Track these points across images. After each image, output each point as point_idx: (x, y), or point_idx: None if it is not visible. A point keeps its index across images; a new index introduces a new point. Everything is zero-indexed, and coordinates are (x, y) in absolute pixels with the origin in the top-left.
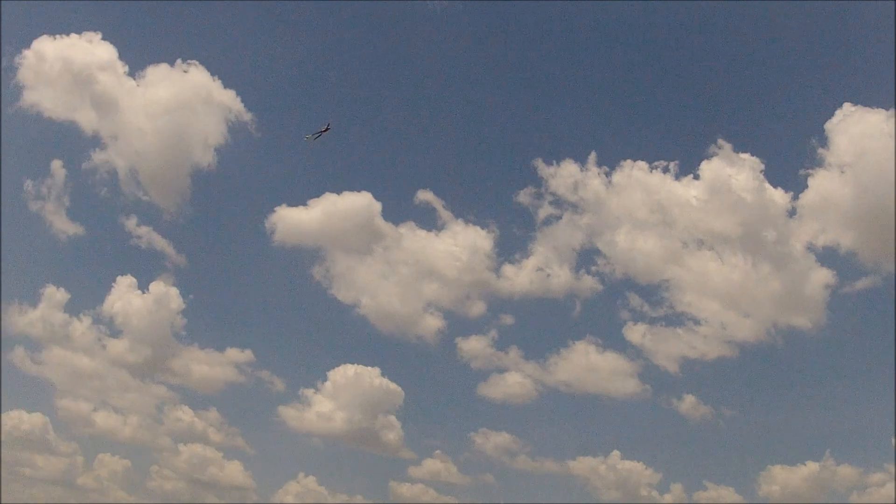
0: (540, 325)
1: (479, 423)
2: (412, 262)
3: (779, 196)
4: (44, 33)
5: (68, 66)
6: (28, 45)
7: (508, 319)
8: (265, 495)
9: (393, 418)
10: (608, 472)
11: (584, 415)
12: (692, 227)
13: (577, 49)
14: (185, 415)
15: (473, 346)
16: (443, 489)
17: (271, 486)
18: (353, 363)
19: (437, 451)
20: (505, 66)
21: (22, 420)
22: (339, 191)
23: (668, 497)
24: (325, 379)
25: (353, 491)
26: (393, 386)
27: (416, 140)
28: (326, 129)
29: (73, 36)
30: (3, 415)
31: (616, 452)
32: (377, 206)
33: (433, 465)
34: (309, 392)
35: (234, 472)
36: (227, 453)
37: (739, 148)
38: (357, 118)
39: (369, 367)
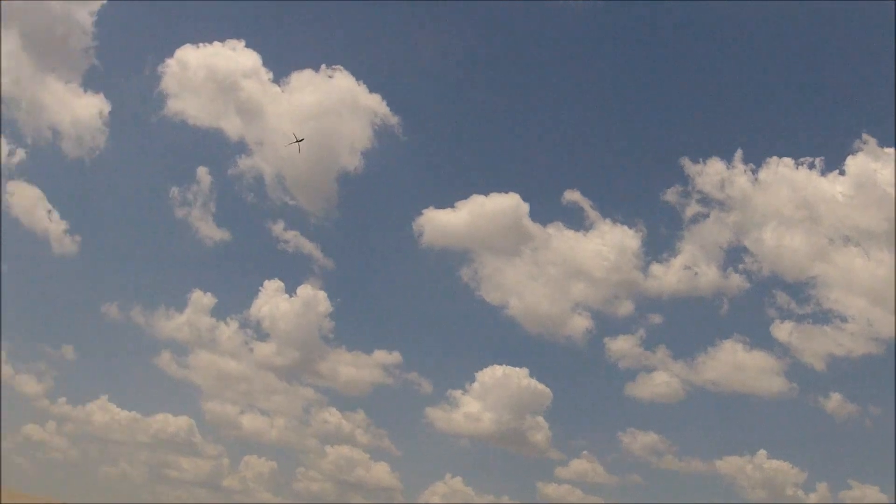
0: (687, 324)
1: (627, 422)
2: (560, 262)
3: None
4: (186, 42)
5: (212, 73)
6: (171, 54)
7: (656, 318)
8: (412, 496)
9: (541, 419)
10: (754, 472)
11: (731, 414)
12: (838, 223)
13: (720, 48)
14: (333, 416)
15: (621, 345)
16: (589, 489)
17: (418, 486)
18: (501, 364)
19: (585, 452)
20: (650, 66)
21: (168, 423)
22: (486, 192)
23: (813, 497)
24: (472, 380)
25: (499, 492)
26: (541, 386)
27: (563, 140)
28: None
29: (217, 44)
30: (150, 418)
31: (762, 451)
32: (525, 206)
33: (580, 465)
34: (457, 393)
35: (380, 473)
36: (373, 454)
37: (884, 142)
38: (503, 119)
39: (517, 368)
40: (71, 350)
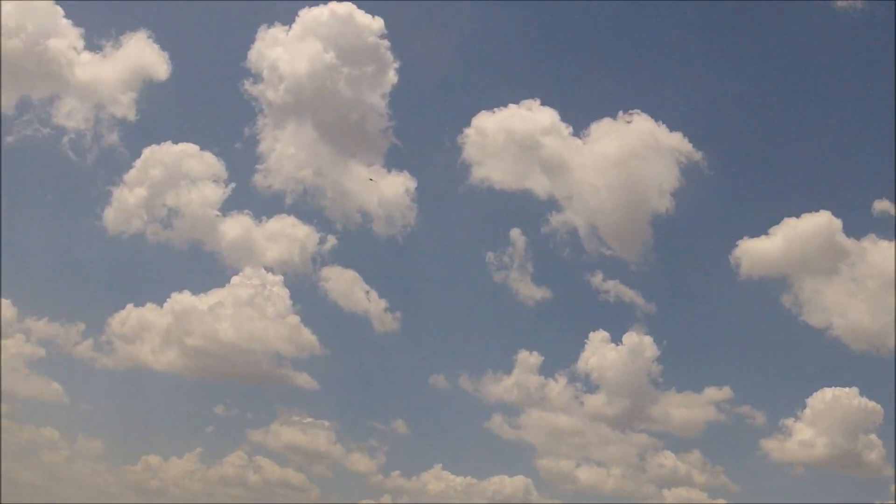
0: None
1: None
2: (877, 275)
3: None
4: (482, 109)
5: (512, 136)
6: (468, 124)
7: None
8: None
9: (873, 437)
10: None
11: None
12: None
13: None
14: (668, 460)
15: None
16: None
17: None
18: (829, 386)
19: None
20: None
21: (504, 484)
22: (797, 214)
23: None
24: (803, 406)
25: None
26: (871, 404)
27: (867, 150)
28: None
29: (512, 106)
30: (485, 481)
31: None
32: (837, 222)
33: None
34: (789, 421)
35: None
36: (711, 493)
37: None
38: (803, 137)
39: (846, 389)
40: (401, 423)
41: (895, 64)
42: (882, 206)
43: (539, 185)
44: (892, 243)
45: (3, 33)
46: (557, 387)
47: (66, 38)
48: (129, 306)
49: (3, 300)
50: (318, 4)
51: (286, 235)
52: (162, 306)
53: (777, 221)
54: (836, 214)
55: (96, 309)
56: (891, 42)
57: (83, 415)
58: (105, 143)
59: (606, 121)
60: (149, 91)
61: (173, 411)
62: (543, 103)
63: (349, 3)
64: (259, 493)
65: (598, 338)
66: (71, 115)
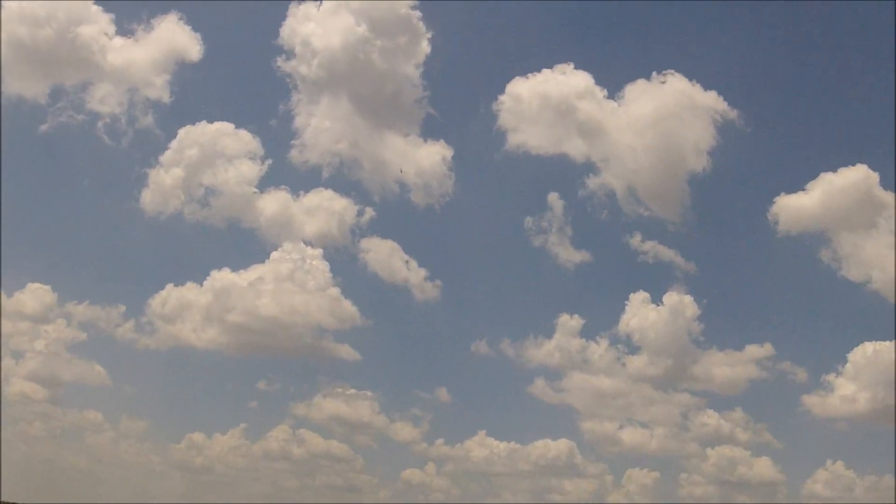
0: None
1: None
2: None
3: None
4: (515, 75)
5: (547, 101)
6: (502, 91)
7: None
8: (795, 486)
9: None
10: None
11: None
12: None
13: None
14: (711, 418)
15: None
16: None
17: (801, 476)
18: (870, 341)
19: None
20: None
21: (548, 448)
22: (834, 168)
23: None
24: (844, 361)
25: (881, 471)
26: None
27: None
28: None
29: (546, 71)
30: (529, 446)
31: None
32: (874, 176)
33: None
34: (830, 377)
35: (762, 468)
36: (754, 451)
37: None
38: (839, 90)
39: (887, 342)
40: (444, 391)
41: None
42: None
43: (575, 148)
44: None
45: (32, 23)
46: (599, 349)
47: (96, 24)
48: (169, 286)
49: (42, 286)
50: None
51: (324, 209)
52: (202, 285)
53: (814, 177)
54: (872, 168)
55: (136, 290)
56: None
57: (126, 396)
58: (140, 125)
59: (641, 82)
60: (182, 72)
61: (216, 388)
62: (577, 67)
63: None
64: (304, 466)
65: (638, 299)
66: (105, 100)
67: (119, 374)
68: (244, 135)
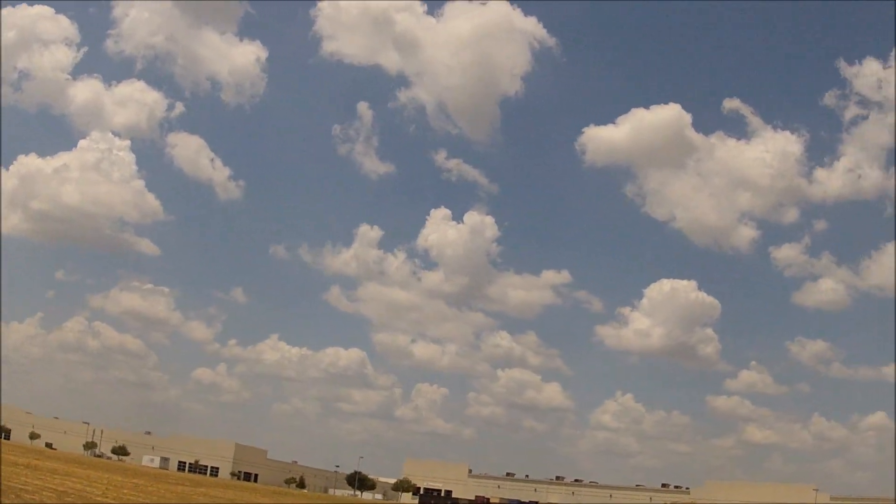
0: (852, 229)
1: (795, 331)
2: (724, 172)
3: None
4: None
5: (366, 10)
6: None
7: (821, 225)
8: (583, 415)
9: (710, 331)
10: None
11: None
12: None
13: None
14: (503, 340)
15: (787, 254)
16: (758, 400)
17: (589, 405)
18: (668, 278)
19: (753, 363)
20: None
21: (339, 357)
22: (647, 105)
23: None
24: (641, 296)
25: (669, 407)
26: (709, 299)
27: (721, 47)
28: None
29: None
30: (320, 353)
31: None
32: (687, 117)
33: (749, 376)
34: (626, 310)
35: (552, 393)
36: (545, 376)
37: None
38: (659, 30)
39: (685, 281)
40: (241, 292)
41: None
42: (732, 104)
43: (390, 60)
44: (740, 142)
45: None
46: (396, 262)
47: None
48: None
49: None
50: None
51: (135, 100)
52: (8, 169)
53: (625, 111)
54: (686, 109)
55: None
56: None
57: None
58: None
59: (462, 2)
60: None
61: (14, 275)
62: None
63: None
64: (98, 359)
65: (439, 215)
66: None
67: None
68: (62, 20)
